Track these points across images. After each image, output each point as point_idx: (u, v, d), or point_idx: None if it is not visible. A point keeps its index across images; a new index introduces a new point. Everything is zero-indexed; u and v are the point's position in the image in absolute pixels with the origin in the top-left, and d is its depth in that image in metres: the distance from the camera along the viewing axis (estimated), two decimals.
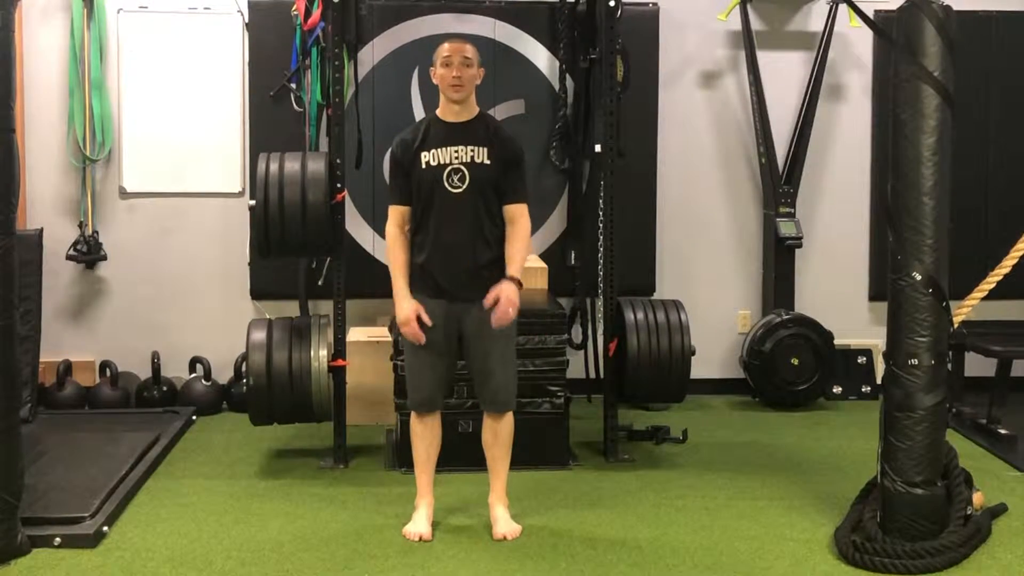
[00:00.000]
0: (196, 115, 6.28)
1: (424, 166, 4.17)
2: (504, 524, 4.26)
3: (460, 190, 4.15)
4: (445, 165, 4.16)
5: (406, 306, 4.16)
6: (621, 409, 5.44)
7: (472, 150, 4.18)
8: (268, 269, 6.09)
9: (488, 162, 4.18)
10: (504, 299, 4.06)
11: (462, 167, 4.16)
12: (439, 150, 4.17)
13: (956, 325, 4.21)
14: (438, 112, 4.28)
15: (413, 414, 4.32)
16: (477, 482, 4.64)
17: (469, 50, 4.22)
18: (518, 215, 4.22)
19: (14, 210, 3.93)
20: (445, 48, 4.22)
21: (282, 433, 5.55)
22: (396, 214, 4.25)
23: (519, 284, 4.14)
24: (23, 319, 4.42)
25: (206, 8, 6.27)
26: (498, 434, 4.30)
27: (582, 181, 6.27)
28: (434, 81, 4.26)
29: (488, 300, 4.09)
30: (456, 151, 4.17)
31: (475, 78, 4.24)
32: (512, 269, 4.15)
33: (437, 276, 4.17)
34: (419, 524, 4.25)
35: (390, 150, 4.34)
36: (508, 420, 4.31)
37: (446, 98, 4.23)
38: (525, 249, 4.23)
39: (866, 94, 6.66)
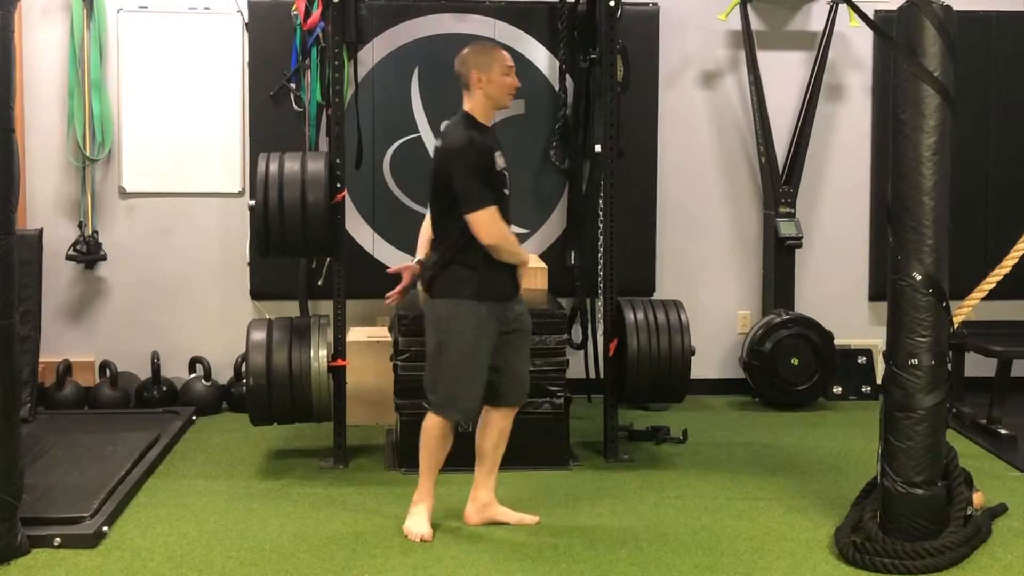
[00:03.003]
0: (196, 115, 6.27)
1: (498, 169, 4.21)
2: (515, 512, 4.36)
3: (508, 194, 4.27)
4: (505, 169, 4.25)
5: None
6: (621, 409, 5.44)
7: (504, 156, 4.29)
8: (268, 269, 6.08)
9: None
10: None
11: (506, 172, 4.27)
12: (500, 155, 4.23)
13: (956, 325, 4.21)
14: (476, 115, 4.19)
15: (440, 419, 4.23)
16: None
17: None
18: None
19: (14, 210, 3.93)
20: (506, 57, 4.24)
21: (282, 433, 5.55)
22: (496, 214, 4.11)
23: None
24: (23, 319, 4.42)
25: (206, 8, 6.27)
26: (505, 432, 4.34)
27: (582, 181, 6.26)
28: (484, 87, 4.15)
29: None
30: (502, 156, 4.27)
31: None
32: None
33: (498, 279, 4.17)
34: (420, 524, 4.25)
35: (465, 151, 4.09)
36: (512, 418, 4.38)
37: (498, 105, 4.24)
38: None
39: (866, 94, 6.66)
